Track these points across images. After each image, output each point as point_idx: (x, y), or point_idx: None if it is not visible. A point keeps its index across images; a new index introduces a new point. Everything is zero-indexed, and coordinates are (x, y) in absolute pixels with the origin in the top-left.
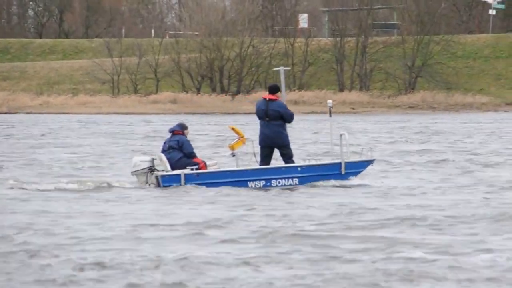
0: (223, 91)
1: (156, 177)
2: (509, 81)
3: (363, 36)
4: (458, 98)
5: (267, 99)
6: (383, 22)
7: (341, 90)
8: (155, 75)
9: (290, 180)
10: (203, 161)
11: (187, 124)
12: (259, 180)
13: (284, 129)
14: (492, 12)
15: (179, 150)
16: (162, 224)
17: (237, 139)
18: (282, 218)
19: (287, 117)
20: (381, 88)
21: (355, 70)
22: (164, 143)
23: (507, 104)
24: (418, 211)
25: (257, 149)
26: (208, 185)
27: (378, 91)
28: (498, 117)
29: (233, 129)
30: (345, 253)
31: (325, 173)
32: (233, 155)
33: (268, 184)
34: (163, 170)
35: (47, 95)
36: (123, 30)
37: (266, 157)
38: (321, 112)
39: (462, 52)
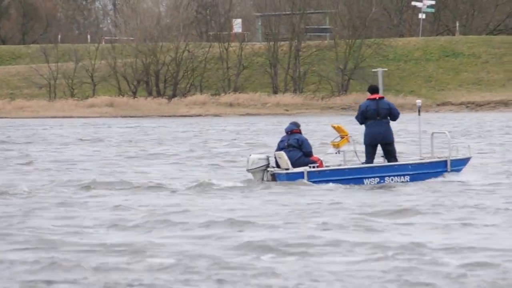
0: (159, 94)
1: (273, 174)
2: (439, 82)
3: (296, 40)
4: (389, 99)
5: (377, 98)
6: (316, 27)
7: (275, 92)
8: (92, 80)
9: (402, 177)
10: (320, 159)
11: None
12: (374, 177)
13: (391, 127)
14: (422, 16)
15: (299, 149)
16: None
17: (340, 137)
18: None
19: (396, 114)
20: (315, 91)
21: (289, 73)
22: (281, 141)
23: (438, 105)
24: None
25: (358, 148)
26: (328, 181)
27: (312, 93)
28: (427, 117)
29: (337, 127)
30: None
31: (433, 171)
32: (338, 153)
33: (381, 181)
34: (272, 167)
35: None
36: (59, 36)
37: (372, 155)
38: (256, 114)
39: (393, 55)
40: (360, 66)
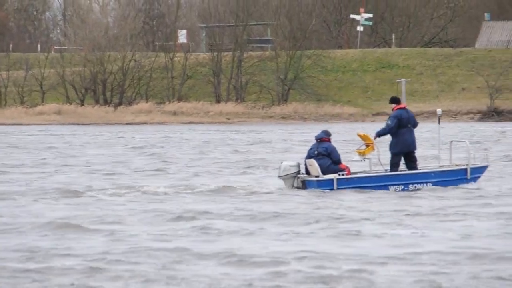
0: (105, 102)
1: (303, 181)
2: (376, 93)
3: (239, 51)
4: (327, 109)
5: (406, 107)
6: (258, 38)
7: (218, 101)
8: (41, 88)
9: (425, 184)
10: (348, 167)
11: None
12: (399, 184)
13: None
14: (360, 28)
15: (328, 157)
16: None
17: (365, 145)
18: None
19: (417, 123)
20: (256, 100)
21: (231, 82)
22: (311, 149)
23: (374, 114)
24: None
25: (382, 155)
26: (356, 188)
27: (253, 102)
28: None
29: (363, 136)
30: None
31: (454, 178)
32: (363, 160)
33: (405, 188)
34: (301, 174)
35: None
36: (11, 45)
37: (398, 164)
38: (199, 122)
39: (331, 66)
40: (299, 77)
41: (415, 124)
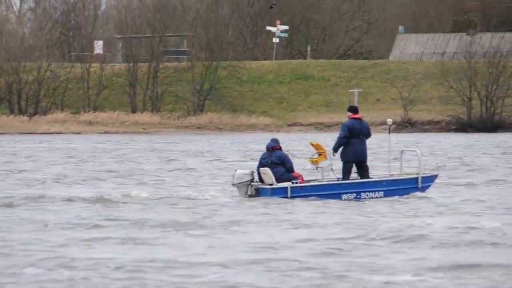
0: (20, 112)
1: (257, 188)
2: (291, 104)
3: (155, 62)
4: (243, 119)
5: (360, 118)
6: (174, 49)
7: (134, 111)
8: None
9: (376, 193)
10: (301, 175)
11: None
12: (352, 193)
13: None
14: (276, 40)
15: (282, 165)
16: None
17: (318, 154)
18: None
19: (371, 134)
20: (171, 110)
21: (147, 93)
22: (263, 158)
23: (288, 125)
24: None
25: (335, 165)
26: (309, 197)
27: (169, 112)
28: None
29: (316, 145)
30: None
31: (405, 187)
32: (316, 169)
33: (358, 196)
34: (255, 182)
35: None
36: None
37: (350, 172)
38: (115, 132)
39: (247, 77)
40: (215, 87)
41: (367, 135)
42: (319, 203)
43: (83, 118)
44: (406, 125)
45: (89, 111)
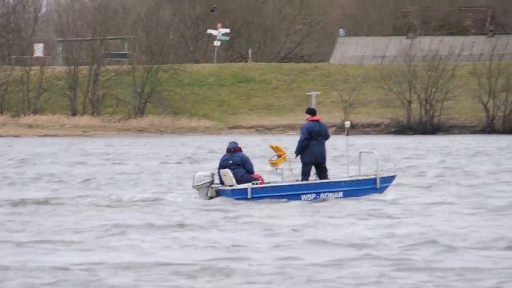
0: None
1: (217, 190)
2: (232, 107)
3: (95, 65)
4: (184, 122)
5: (319, 120)
6: (115, 52)
7: (74, 114)
8: None
9: (336, 193)
10: (261, 176)
11: None
12: (311, 193)
13: None
14: (217, 43)
15: (242, 167)
16: None
17: (277, 156)
18: None
19: (329, 136)
20: (112, 113)
21: (88, 96)
22: (224, 159)
23: (229, 128)
24: None
25: (293, 166)
26: (269, 197)
27: (109, 115)
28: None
29: (275, 147)
30: None
31: (364, 187)
32: (276, 170)
33: (317, 197)
34: (215, 184)
35: None
36: None
37: (309, 173)
38: (54, 135)
39: (188, 79)
40: (156, 90)
41: (326, 137)
42: (279, 203)
43: (23, 121)
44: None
45: (29, 114)
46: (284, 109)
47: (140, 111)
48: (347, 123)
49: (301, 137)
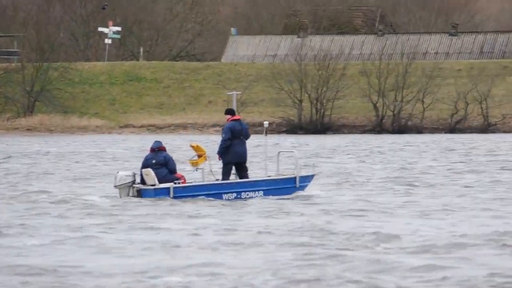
0: None
1: (138, 190)
2: (123, 105)
3: None
4: (74, 121)
5: (239, 119)
6: (4, 50)
7: None
8: None
9: (256, 192)
10: (183, 176)
11: None
12: (232, 192)
13: None
14: (108, 41)
15: (165, 166)
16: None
17: (197, 156)
18: None
19: (249, 135)
20: (0, 112)
21: None
22: (147, 159)
23: (121, 127)
24: None
25: (214, 166)
26: (191, 197)
27: None
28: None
29: (196, 147)
30: None
31: (284, 186)
32: (196, 170)
33: (238, 196)
34: (137, 183)
35: None
36: None
37: (230, 172)
38: None
39: (79, 78)
40: (46, 89)
41: (247, 136)
42: (200, 203)
43: None
44: None
45: None
46: (176, 108)
47: (30, 110)
48: (266, 123)
49: (223, 137)
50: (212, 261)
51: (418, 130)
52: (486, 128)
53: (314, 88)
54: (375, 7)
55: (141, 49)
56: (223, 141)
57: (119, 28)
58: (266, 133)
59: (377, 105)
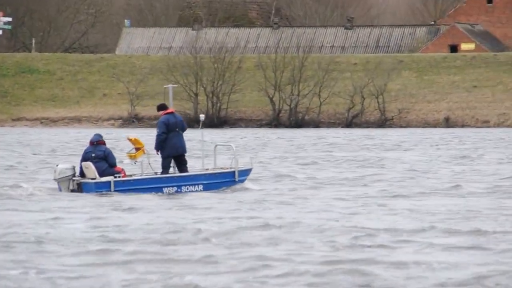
0: None
1: (79, 183)
2: (15, 98)
3: None
4: None
5: (173, 112)
6: None
7: None
8: None
9: (196, 186)
10: (123, 170)
11: None
12: (173, 186)
13: None
14: None
15: (105, 160)
16: None
17: (135, 149)
18: None
19: (186, 127)
20: None
21: None
22: (87, 152)
23: (13, 120)
24: None
25: (152, 159)
26: (132, 190)
27: None
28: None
29: (134, 140)
30: None
31: (223, 180)
32: (135, 163)
33: (179, 190)
34: (76, 177)
35: None
36: None
37: (169, 166)
38: None
39: None
40: None
41: (183, 128)
42: (141, 196)
43: None
44: (133, 120)
45: None
46: (70, 101)
47: None
48: (202, 116)
49: (158, 132)
50: None
51: (315, 124)
52: (383, 123)
53: (210, 81)
54: (270, 0)
55: (33, 40)
56: (158, 135)
57: (9, 19)
58: (202, 126)
59: (274, 99)
